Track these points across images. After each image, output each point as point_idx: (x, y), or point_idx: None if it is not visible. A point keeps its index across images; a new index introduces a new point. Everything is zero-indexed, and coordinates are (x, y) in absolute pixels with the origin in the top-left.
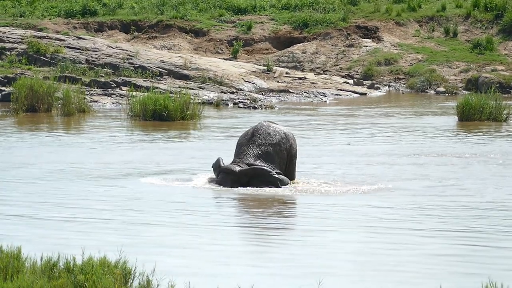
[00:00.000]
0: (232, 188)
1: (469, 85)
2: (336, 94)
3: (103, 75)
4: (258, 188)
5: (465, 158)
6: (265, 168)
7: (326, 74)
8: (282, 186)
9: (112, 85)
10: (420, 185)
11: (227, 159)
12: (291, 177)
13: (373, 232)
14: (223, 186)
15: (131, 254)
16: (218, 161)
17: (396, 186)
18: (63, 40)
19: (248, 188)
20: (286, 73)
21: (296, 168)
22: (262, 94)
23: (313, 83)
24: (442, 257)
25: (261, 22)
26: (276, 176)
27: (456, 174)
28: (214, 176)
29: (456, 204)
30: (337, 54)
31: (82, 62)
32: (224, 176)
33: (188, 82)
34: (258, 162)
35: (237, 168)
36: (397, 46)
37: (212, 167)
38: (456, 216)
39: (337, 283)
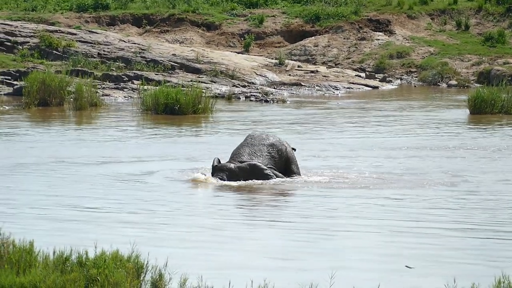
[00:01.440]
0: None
1: (481, 78)
2: (348, 88)
3: (115, 69)
4: (278, 180)
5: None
6: (259, 164)
7: (338, 68)
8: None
9: (124, 79)
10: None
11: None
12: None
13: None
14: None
15: (143, 248)
16: (213, 161)
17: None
18: (75, 34)
19: (256, 181)
20: (298, 66)
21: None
22: (274, 88)
23: (325, 76)
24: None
25: (273, 16)
26: (271, 173)
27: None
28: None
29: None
30: (349, 47)
31: (94, 56)
32: (220, 174)
33: (200, 76)
34: (255, 161)
35: (232, 165)
36: (409, 39)
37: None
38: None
39: (350, 277)
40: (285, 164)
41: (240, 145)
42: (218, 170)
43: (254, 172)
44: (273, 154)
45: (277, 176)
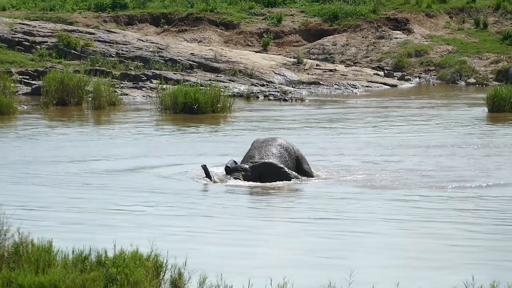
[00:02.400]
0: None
1: (499, 76)
2: (367, 86)
3: (133, 68)
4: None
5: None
6: (274, 162)
7: (357, 66)
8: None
9: (143, 78)
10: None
11: None
12: (310, 176)
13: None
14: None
15: (162, 247)
16: (227, 163)
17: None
18: (93, 33)
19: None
20: (317, 65)
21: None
22: (293, 87)
23: (343, 75)
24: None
25: (291, 15)
26: (287, 170)
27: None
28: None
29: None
30: (367, 46)
31: (112, 55)
32: (236, 174)
33: (219, 75)
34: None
35: (247, 165)
36: (427, 38)
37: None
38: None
39: (369, 274)
40: (296, 164)
41: (248, 150)
42: (233, 170)
43: (271, 171)
44: (282, 153)
45: (292, 174)
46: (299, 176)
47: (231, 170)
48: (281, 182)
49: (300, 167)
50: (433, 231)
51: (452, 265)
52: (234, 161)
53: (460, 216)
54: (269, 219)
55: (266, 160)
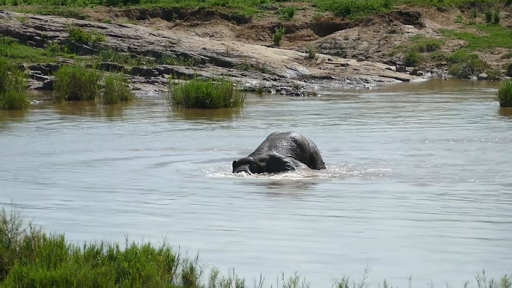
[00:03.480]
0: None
1: (511, 70)
2: (379, 81)
3: (145, 63)
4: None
5: None
6: (277, 154)
7: (369, 61)
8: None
9: (155, 73)
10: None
11: None
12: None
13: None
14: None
15: (174, 241)
16: (233, 162)
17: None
18: (105, 28)
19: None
20: (329, 59)
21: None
22: (305, 81)
23: (355, 69)
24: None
25: (303, 9)
26: (291, 163)
27: None
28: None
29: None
30: (379, 41)
31: (124, 50)
32: (242, 168)
33: (231, 70)
34: (275, 152)
35: (252, 158)
36: (439, 32)
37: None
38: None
39: (384, 269)
40: (310, 161)
41: (262, 143)
42: (238, 164)
43: (275, 162)
44: (294, 147)
45: (297, 166)
46: (306, 166)
47: (236, 165)
48: (290, 174)
49: (313, 165)
50: (448, 224)
51: (466, 259)
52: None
53: (477, 208)
54: (280, 213)
55: (270, 153)
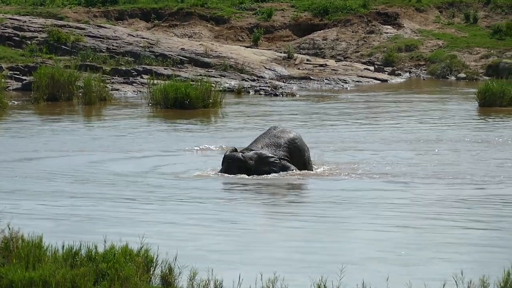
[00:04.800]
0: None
1: (490, 71)
2: (357, 81)
3: (124, 63)
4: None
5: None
6: (265, 153)
7: (347, 61)
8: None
9: (133, 74)
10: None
11: None
12: (309, 169)
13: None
14: (229, 174)
15: (153, 242)
16: (227, 150)
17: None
18: (84, 28)
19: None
20: (307, 60)
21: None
22: (283, 81)
23: (334, 70)
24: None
25: (282, 9)
26: (277, 161)
27: None
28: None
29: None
30: (357, 41)
31: (103, 50)
32: (229, 164)
33: (209, 70)
34: (264, 151)
35: (240, 155)
36: (417, 33)
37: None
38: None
39: (360, 270)
40: (303, 166)
41: (260, 135)
42: (227, 158)
43: (262, 161)
44: (291, 148)
45: (287, 168)
46: (295, 169)
47: (225, 159)
48: (274, 175)
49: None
50: (424, 225)
51: (444, 259)
52: (235, 149)
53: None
54: (259, 214)
55: (257, 151)
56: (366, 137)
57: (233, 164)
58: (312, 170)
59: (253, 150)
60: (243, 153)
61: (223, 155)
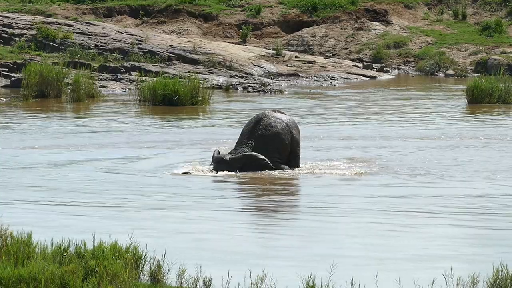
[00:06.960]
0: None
1: (478, 67)
2: (346, 78)
3: (112, 60)
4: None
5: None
6: (255, 154)
7: (336, 58)
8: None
9: (122, 70)
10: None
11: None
12: (295, 164)
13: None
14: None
15: (141, 239)
16: (213, 153)
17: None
18: (72, 25)
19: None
20: (296, 57)
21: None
22: (272, 78)
23: (322, 66)
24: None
25: (270, 6)
26: (267, 161)
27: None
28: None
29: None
30: (346, 38)
31: (91, 47)
32: (217, 166)
33: (198, 67)
34: (254, 151)
35: (228, 157)
36: (406, 29)
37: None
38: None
39: (350, 267)
40: (290, 150)
41: (247, 131)
42: (215, 161)
43: (253, 163)
44: (280, 142)
45: (277, 167)
46: (287, 168)
47: (213, 161)
48: (265, 172)
49: (290, 155)
50: (416, 221)
51: (434, 257)
52: (218, 151)
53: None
54: (247, 210)
55: (246, 153)
56: (352, 133)
57: (220, 166)
58: (297, 158)
59: (242, 151)
60: (230, 155)
61: (212, 157)
